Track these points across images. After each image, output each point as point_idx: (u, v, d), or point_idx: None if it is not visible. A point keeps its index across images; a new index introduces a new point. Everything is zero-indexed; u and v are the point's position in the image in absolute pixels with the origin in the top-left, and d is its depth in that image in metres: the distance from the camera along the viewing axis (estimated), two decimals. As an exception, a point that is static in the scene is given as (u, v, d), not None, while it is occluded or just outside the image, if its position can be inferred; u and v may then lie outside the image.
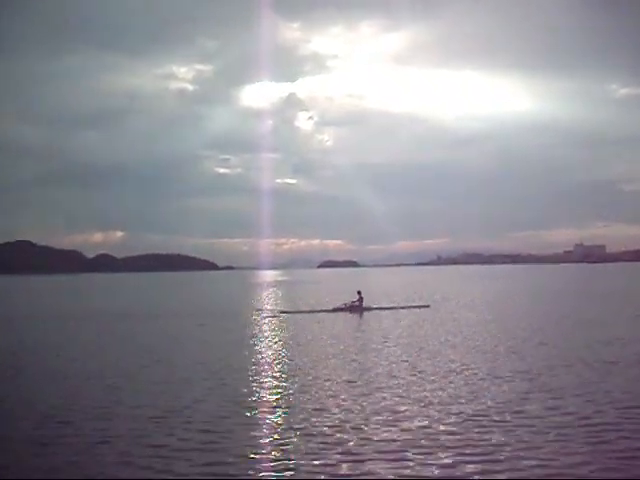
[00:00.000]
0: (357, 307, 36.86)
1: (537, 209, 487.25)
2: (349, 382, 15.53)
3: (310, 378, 16.24)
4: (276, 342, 24.19)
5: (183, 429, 11.63)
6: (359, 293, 37.80)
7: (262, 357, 20.32)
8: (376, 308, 37.82)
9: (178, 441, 10.88)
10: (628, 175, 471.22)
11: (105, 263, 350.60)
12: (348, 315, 35.02)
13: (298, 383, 15.61)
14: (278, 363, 19.04)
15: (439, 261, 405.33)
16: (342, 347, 22.02)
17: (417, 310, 36.95)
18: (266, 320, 33.63)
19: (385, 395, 13.94)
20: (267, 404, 13.44)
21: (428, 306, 39.09)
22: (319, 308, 38.71)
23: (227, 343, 24.27)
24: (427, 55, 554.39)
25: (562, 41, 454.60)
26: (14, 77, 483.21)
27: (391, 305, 40.50)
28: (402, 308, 38.49)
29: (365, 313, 35.83)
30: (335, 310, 36.80)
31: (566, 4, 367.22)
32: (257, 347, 22.79)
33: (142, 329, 30.49)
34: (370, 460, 9.77)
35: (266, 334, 27.24)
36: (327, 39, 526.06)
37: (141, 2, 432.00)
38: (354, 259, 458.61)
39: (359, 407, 12.97)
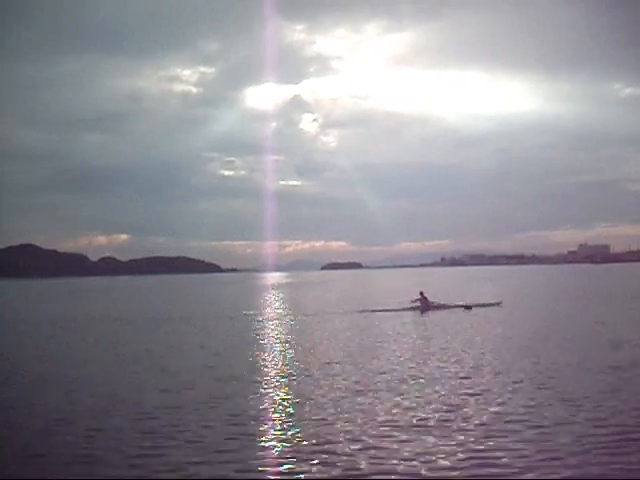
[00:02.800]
0: (426, 305, 37.24)
1: (541, 209, 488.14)
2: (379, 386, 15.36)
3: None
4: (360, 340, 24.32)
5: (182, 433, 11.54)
6: (421, 293, 38.22)
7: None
8: (449, 306, 37.86)
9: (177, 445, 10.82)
10: (632, 175, 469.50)
11: (109, 266, 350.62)
12: (418, 314, 35.63)
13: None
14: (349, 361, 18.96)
15: (442, 262, 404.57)
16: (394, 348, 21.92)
17: (490, 308, 37.04)
18: (343, 319, 33.80)
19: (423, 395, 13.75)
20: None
21: (499, 304, 38.88)
22: (384, 307, 39.23)
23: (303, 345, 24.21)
24: (431, 56, 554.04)
25: (566, 41, 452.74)
26: (17, 81, 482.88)
27: (460, 303, 39.71)
28: (474, 306, 38.07)
29: (437, 311, 36.16)
30: (406, 309, 37.37)
31: (569, 4, 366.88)
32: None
33: (156, 332, 30.19)
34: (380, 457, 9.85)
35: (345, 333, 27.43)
36: (331, 41, 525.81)
37: (144, 5, 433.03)
38: (358, 260, 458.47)
39: (372, 408, 12.95)
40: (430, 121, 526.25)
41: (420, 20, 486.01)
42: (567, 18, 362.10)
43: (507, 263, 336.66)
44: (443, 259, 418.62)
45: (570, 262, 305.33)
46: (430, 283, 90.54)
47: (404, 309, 37.51)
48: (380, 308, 38.63)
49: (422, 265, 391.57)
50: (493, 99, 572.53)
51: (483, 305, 38.43)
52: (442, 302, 38.64)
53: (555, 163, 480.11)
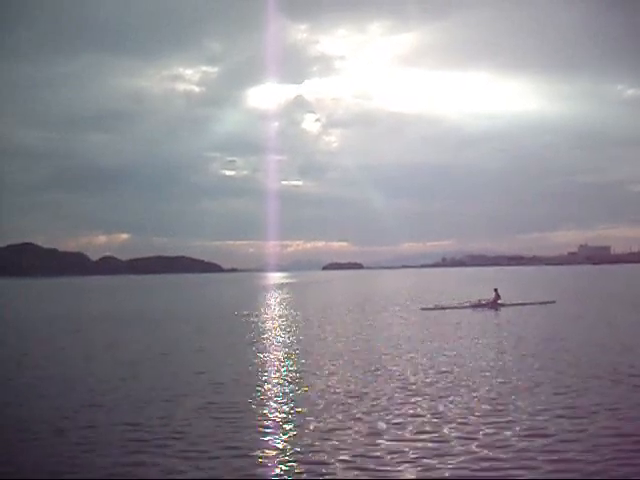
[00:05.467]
0: (495, 303, 38.15)
1: (542, 209, 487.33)
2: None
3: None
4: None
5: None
6: (496, 290, 38.94)
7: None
8: (508, 305, 38.40)
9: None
10: (635, 176, 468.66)
11: (109, 265, 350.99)
12: (487, 311, 36.31)
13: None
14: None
15: (444, 263, 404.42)
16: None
17: (545, 306, 37.86)
18: (411, 317, 33.88)
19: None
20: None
21: (554, 302, 39.76)
22: (455, 304, 39.52)
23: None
24: (435, 56, 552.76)
25: (569, 42, 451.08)
26: (18, 81, 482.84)
27: (520, 301, 40.19)
28: (531, 304, 38.94)
29: (501, 309, 36.99)
30: (474, 306, 37.97)
31: (572, 6, 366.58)
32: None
33: (155, 333, 29.56)
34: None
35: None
36: (335, 40, 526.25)
37: (147, 4, 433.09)
38: (359, 261, 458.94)
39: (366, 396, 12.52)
40: (433, 121, 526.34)
41: (425, 20, 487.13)
42: (569, 18, 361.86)
43: (508, 264, 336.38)
44: (444, 260, 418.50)
45: (570, 263, 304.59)
46: (443, 283, 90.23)
47: (470, 306, 37.91)
48: (446, 305, 39.03)
49: (423, 266, 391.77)
50: (495, 99, 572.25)
51: (539, 303, 39.16)
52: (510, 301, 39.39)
53: (557, 163, 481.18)
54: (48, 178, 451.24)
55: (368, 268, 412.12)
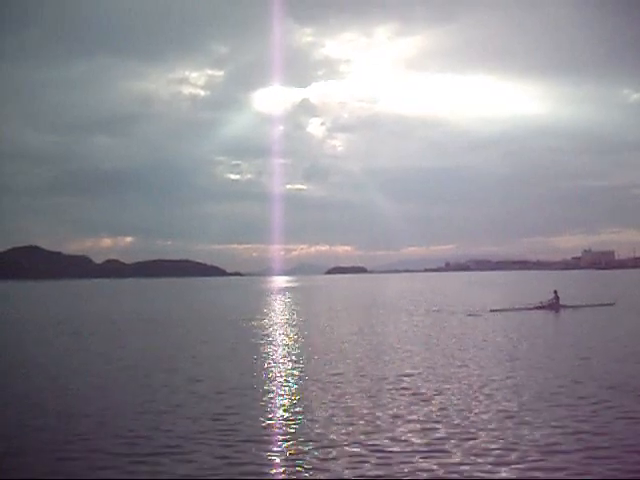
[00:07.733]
0: (556, 305, 38.97)
1: (547, 214, 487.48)
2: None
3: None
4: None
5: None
6: (555, 292, 39.61)
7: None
8: (569, 306, 39.14)
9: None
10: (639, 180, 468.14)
11: (114, 268, 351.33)
12: (549, 313, 37.19)
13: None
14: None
15: (447, 267, 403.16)
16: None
17: (604, 308, 38.46)
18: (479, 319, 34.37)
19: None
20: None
21: (613, 304, 39.97)
22: (517, 306, 39.91)
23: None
24: (440, 60, 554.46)
25: (575, 46, 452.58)
26: (25, 82, 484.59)
27: (578, 303, 40.77)
28: (590, 306, 39.46)
29: (562, 310, 37.97)
30: (536, 308, 38.66)
31: (579, 10, 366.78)
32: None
33: (156, 337, 29.26)
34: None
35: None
36: (340, 44, 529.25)
37: (154, 7, 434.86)
38: (362, 265, 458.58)
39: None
40: (438, 124, 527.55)
41: (430, 24, 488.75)
42: (576, 22, 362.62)
43: (512, 268, 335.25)
44: (448, 264, 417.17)
45: (574, 268, 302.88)
46: (462, 289, 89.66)
47: (533, 308, 38.57)
48: (511, 307, 39.46)
49: (427, 270, 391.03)
50: (501, 102, 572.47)
51: (599, 305, 39.54)
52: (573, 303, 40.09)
53: (563, 167, 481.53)
54: (53, 181, 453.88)
55: (372, 272, 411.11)
